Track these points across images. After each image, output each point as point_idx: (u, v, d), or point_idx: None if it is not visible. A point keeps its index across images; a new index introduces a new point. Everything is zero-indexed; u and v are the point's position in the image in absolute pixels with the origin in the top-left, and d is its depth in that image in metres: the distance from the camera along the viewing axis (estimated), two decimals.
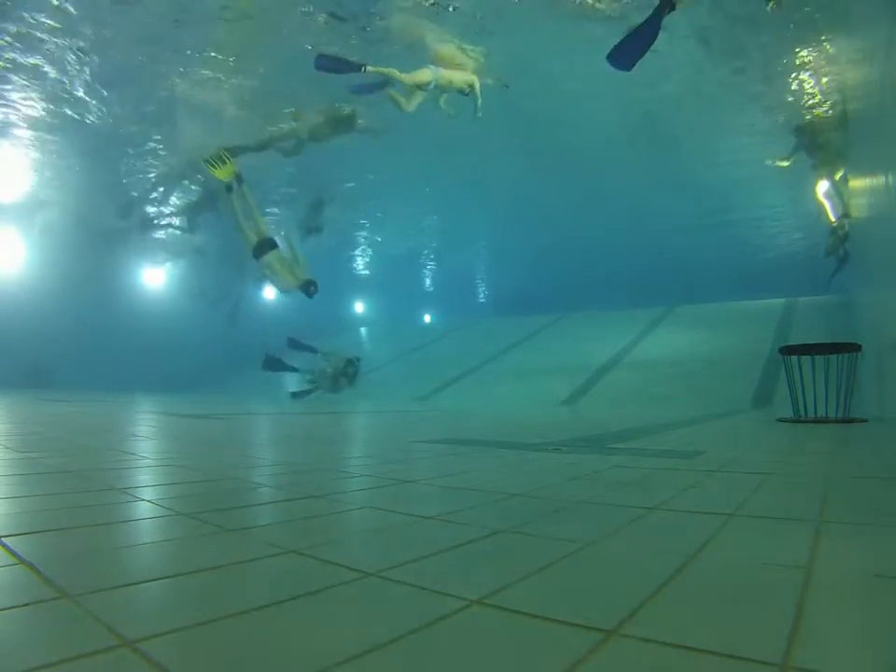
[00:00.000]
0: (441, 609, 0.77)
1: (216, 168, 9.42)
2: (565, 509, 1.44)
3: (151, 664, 0.61)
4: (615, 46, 5.78)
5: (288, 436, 4.01)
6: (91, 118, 9.67)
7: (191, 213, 13.13)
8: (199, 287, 14.96)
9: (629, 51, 5.77)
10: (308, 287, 9.81)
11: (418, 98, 8.19)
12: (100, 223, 12.72)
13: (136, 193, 12.81)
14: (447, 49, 8.21)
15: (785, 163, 10.56)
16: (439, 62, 8.17)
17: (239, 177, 9.60)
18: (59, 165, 11.27)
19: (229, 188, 9.56)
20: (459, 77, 8.15)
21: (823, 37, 7.91)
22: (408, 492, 1.75)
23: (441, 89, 8.18)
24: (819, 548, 1.08)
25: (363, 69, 7.65)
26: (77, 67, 8.14)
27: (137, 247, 14.32)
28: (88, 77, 8.45)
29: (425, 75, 7.94)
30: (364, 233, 17.31)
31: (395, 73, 7.86)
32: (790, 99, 9.65)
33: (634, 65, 5.92)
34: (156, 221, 14.01)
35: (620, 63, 5.86)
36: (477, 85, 8.23)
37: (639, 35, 5.67)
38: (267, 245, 9.59)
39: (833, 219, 10.99)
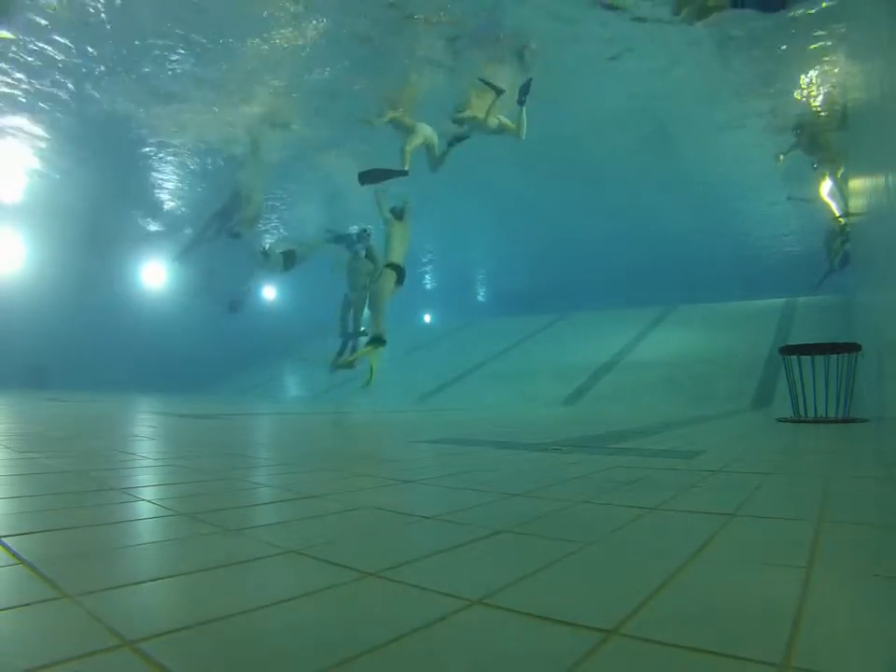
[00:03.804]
0: (442, 609, 0.77)
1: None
2: (565, 509, 1.44)
3: (151, 664, 0.60)
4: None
5: (287, 436, 4.01)
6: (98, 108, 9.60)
7: (222, 219, 12.88)
8: (204, 284, 14.87)
9: None
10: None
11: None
12: (103, 223, 12.69)
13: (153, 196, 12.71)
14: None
15: (780, 158, 10.53)
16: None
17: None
18: (60, 164, 11.25)
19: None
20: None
21: (823, 35, 7.91)
22: (408, 492, 1.75)
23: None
24: (819, 548, 1.08)
25: (406, 173, 8.07)
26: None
27: (141, 247, 14.28)
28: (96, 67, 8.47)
29: (422, 133, 8.29)
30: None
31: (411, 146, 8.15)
32: (790, 98, 9.65)
33: None
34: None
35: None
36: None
37: None
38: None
39: (840, 219, 10.92)
